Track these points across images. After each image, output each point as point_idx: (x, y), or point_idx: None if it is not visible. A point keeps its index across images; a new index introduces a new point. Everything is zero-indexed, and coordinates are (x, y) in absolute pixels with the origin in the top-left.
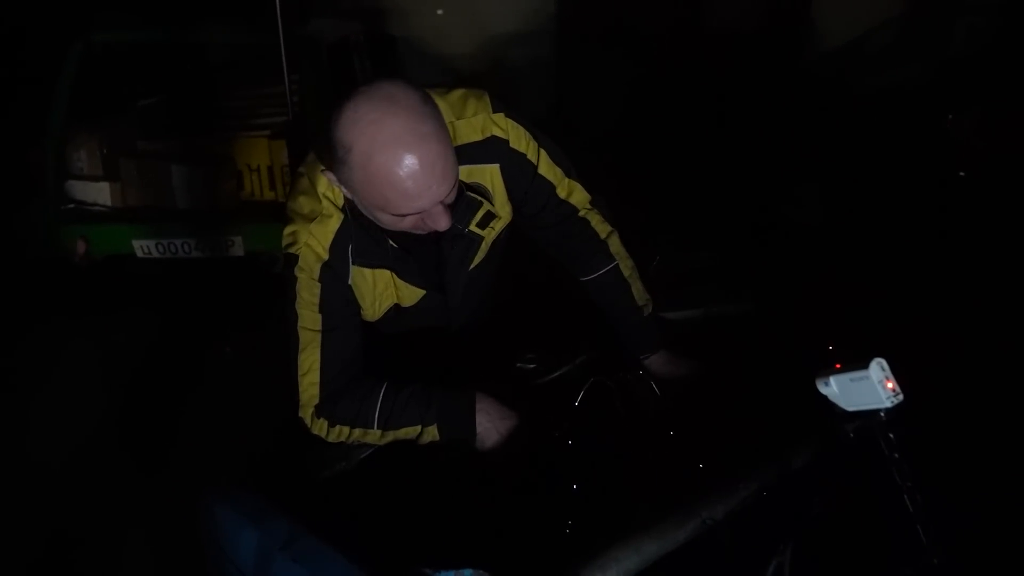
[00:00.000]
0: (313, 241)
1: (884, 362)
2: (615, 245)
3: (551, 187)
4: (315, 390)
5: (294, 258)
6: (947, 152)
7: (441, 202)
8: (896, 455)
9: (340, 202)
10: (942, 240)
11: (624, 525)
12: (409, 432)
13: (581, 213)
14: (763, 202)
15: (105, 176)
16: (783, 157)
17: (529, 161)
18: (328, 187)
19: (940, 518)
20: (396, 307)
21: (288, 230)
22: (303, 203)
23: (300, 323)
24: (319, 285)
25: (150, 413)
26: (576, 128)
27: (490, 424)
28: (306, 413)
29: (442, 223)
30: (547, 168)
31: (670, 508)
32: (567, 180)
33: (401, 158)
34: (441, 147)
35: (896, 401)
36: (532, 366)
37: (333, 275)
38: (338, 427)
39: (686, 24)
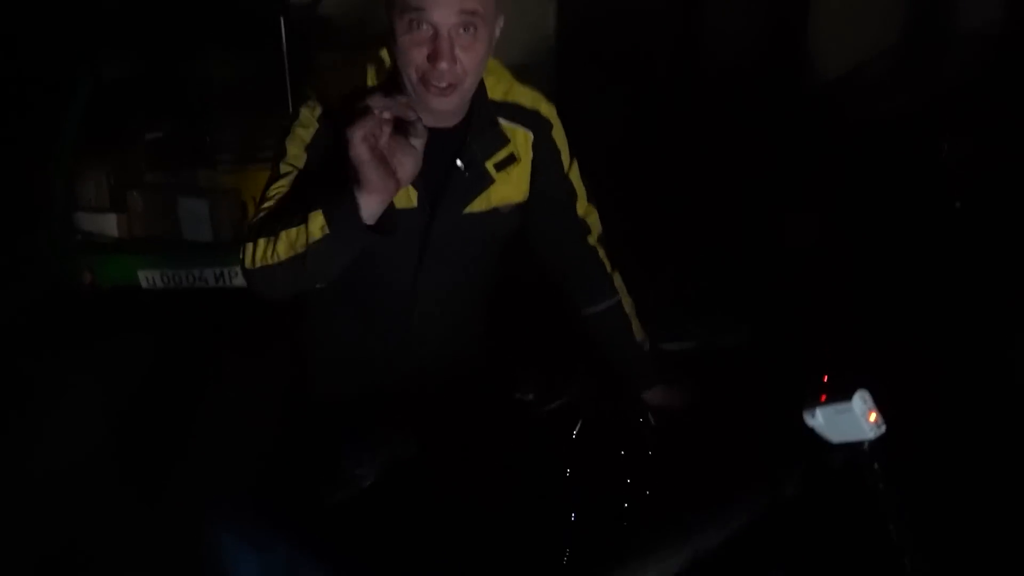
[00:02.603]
0: (333, 86)
1: (867, 394)
2: (618, 280)
3: (574, 196)
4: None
5: (307, 98)
6: (942, 181)
7: (451, 29)
8: (881, 485)
9: (380, 78)
10: (936, 269)
11: (620, 554)
12: (296, 231)
13: (592, 240)
14: (759, 228)
15: (112, 207)
16: (780, 184)
17: (562, 160)
18: (370, 64)
19: (924, 547)
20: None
21: (317, 75)
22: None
23: (284, 158)
24: (316, 127)
25: (151, 440)
26: (574, 157)
27: (366, 190)
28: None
29: (443, 59)
30: (576, 178)
31: (664, 536)
32: (588, 203)
33: None
34: None
35: (879, 432)
36: (530, 397)
37: (331, 127)
38: (250, 244)
39: (685, 54)
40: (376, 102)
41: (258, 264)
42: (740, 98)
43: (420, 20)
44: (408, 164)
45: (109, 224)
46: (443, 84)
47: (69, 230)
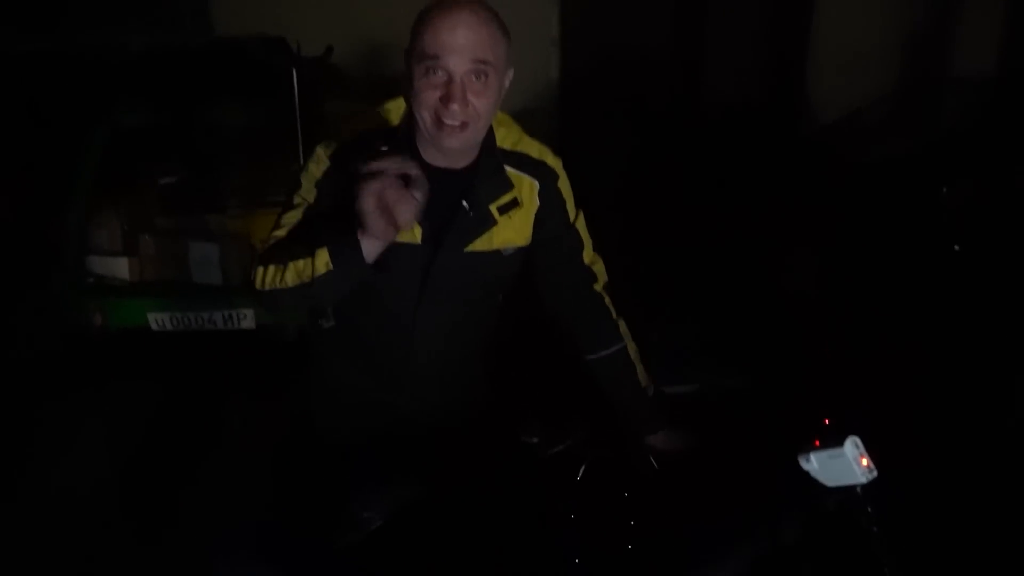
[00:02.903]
0: (345, 128)
1: (858, 440)
2: (623, 327)
3: (581, 245)
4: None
5: (322, 139)
6: (941, 224)
7: (464, 76)
8: (874, 528)
9: (394, 122)
10: (934, 312)
11: None
12: (303, 263)
13: (598, 287)
14: (760, 273)
15: (124, 251)
16: (780, 228)
17: (567, 210)
18: (388, 109)
19: None
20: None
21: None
22: (355, 113)
23: (297, 190)
24: (328, 164)
25: (159, 481)
26: (580, 208)
27: (368, 234)
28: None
29: (455, 102)
30: (582, 227)
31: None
32: (593, 252)
33: (452, 9)
34: (487, 28)
35: (870, 477)
36: (535, 440)
37: (344, 162)
38: (260, 268)
39: (686, 100)
40: (384, 164)
41: (267, 287)
42: (740, 142)
43: (436, 67)
44: (408, 213)
45: (121, 267)
46: (456, 122)
47: (81, 273)
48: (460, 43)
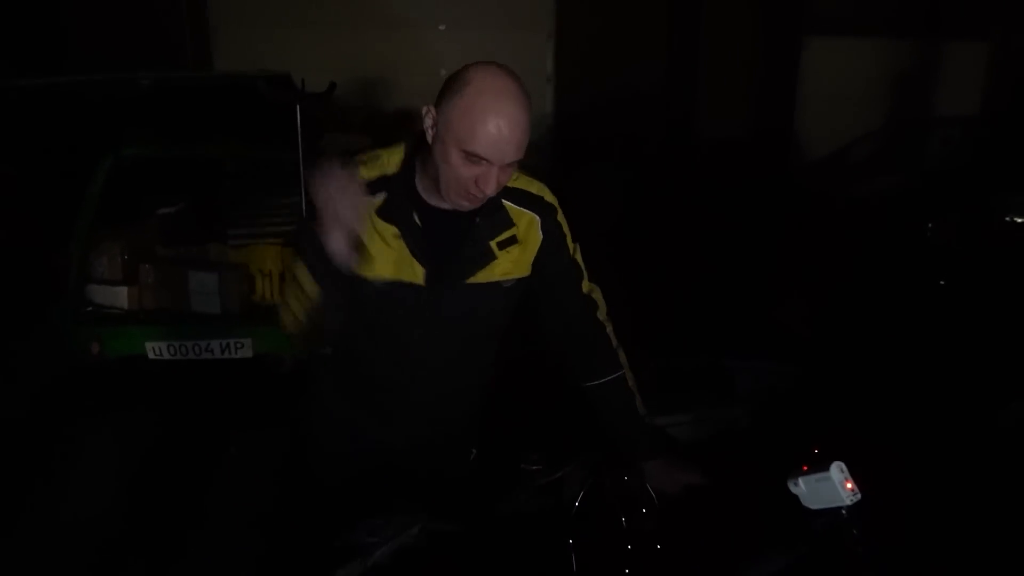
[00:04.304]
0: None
1: (843, 465)
2: (622, 356)
3: (580, 275)
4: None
5: None
6: (928, 259)
7: (502, 166)
8: (859, 548)
9: (390, 171)
10: (922, 347)
11: None
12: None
13: (600, 316)
14: (753, 307)
15: (124, 280)
16: (771, 263)
17: (566, 243)
18: (384, 156)
19: None
20: (389, 285)
21: None
22: (351, 160)
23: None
24: None
25: (157, 512)
26: (577, 241)
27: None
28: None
29: (491, 186)
30: (579, 258)
31: None
32: (591, 282)
33: (502, 107)
34: (527, 122)
35: (854, 500)
36: (534, 468)
37: None
38: (281, 309)
39: (678, 135)
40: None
41: (289, 330)
42: (730, 178)
43: (480, 160)
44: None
45: (120, 297)
46: (484, 198)
47: (81, 303)
48: (507, 146)
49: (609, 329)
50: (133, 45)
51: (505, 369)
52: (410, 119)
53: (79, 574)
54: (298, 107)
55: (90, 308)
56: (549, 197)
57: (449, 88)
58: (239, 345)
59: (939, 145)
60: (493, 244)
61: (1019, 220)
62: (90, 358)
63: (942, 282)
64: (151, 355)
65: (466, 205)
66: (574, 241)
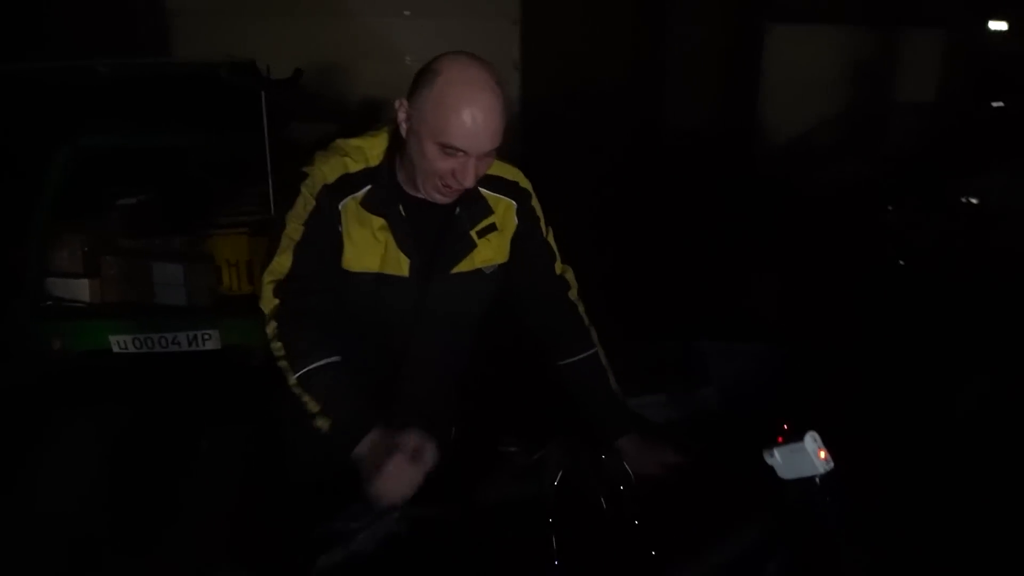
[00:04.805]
0: (327, 168)
1: (816, 435)
2: (595, 335)
3: (552, 257)
4: (271, 289)
5: (304, 176)
6: (888, 242)
7: (479, 157)
8: (831, 515)
9: (373, 162)
10: (884, 324)
11: None
12: (310, 405)
13: (572, 296)
14: (721, 292)
15: (85, 273)
16: (738, 248)
17: (540, 226)
18: (366, 148)
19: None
20: (376, 278)
21: (311, 157)
22: (335, 148)
23: (285, 231)
24: (314, 203)
25: (129, 506)
26: (549, 224)
27: (365, 455)
28: (265, 307)
29: (468, 178)
30: (552, 241)
31: (650, 573)
32: (563, 263)
33: (475, 97)
34: (502, 111)
35: (828, 468)
36: (513, 449)
37: (329, 202)
38: (277, 343)
39: (644, 122)
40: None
41: (269, 346)
42: (696, 164)
43: (456, 152)
44: (406, 488)
45: (81, 290)
46: (461, 190)
47: (40, 297)
48: (482, 136)
49: (581, 309)
50: (86, 30)
51: (482, 354)
52: (377, 108)
53: (51, 570)
54: (263, 94)
55: (50, 302)
56: (524, 182)
57: (420, 81)
58: (206, 337)
59: (898, 132)
60: (473, 233)
61: (975, 202)
62: (52, 354)
63: (902, 262)
64: (115, 348)
65: (440, 198)
66: (547, 224)
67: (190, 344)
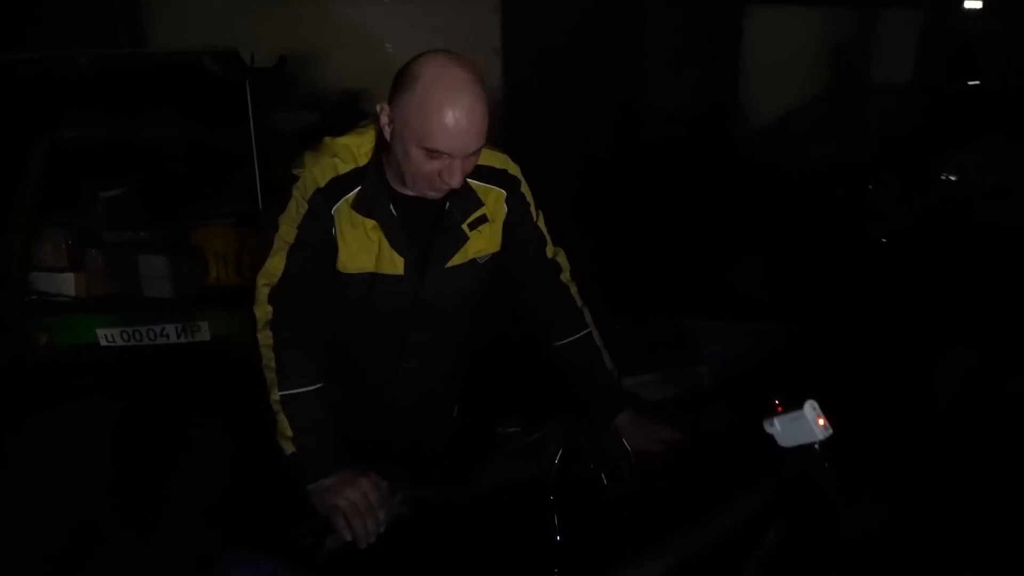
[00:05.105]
0: (317, 170)
1: (815, 403)
2: (588, 315)
3: (543, 241)
4: (266, 293)
5: (294, 178)
6: (869, 220)
7: (464, 157)
8: (830, 480)
9: (362, 161)
10: (867, 297)
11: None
12: (282, 427)
13: (564, 278)
14: (705, 273)
15: (70, 267)
16: (721, 229)
17: (530, 211)
18: (353, 147)
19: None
20: (371, 277)
21: (300, 158)
22: (323, 149)
23: (278, 232)
24: (307, 207)
25: (120, 501)
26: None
27: (322, 497)
28: (259, 312)
29: (456, 179)
30: (542, 225)
31: (651, 544)
32: (554, 246)
33: (456, 99)
34: (484, 109)
35: (827, 435)
36: (513, 430)
37: (321, 205)
38: (270, 353)
39: (626, 105)
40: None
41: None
42: (677, 146)
43: (441, 154)
44: (368, 530)
45: (67, 284)
46: (449, 189)
47: (25, 292)
48: (466, 137)
49: (574, 290)
50: (60, 20)
51: (478, 339)
52: (356, 96)
53: (44, 569)
54: (247, 83)
55: (35, 297)
56: (512, 169)
57: (400, 84)
58: (195, 329)
59: (877, 111)
60: (464, 226)
61: (953, 179)
62: (39, 349)
63: (884, 240)
64: (103, 342)
65: (434, 195)
66: (537, 209)
67: (179, 336)
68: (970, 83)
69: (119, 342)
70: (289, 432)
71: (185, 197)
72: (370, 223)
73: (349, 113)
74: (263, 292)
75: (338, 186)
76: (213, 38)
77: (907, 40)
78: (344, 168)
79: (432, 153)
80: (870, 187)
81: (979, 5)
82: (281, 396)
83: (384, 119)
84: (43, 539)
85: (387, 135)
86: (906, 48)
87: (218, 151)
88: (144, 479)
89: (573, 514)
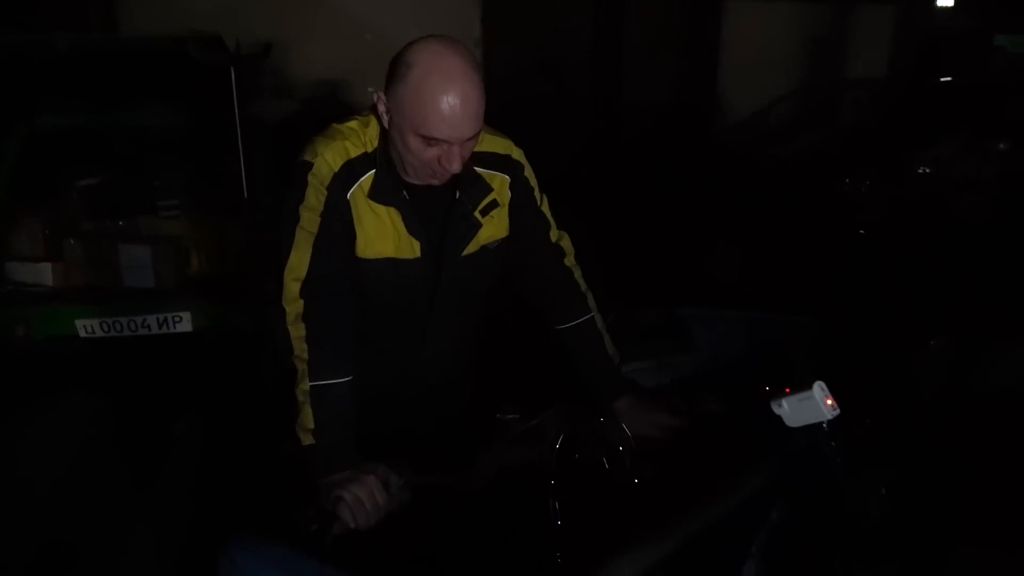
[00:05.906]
0: (330, 156)
1: (823, 384)
2: (591, 300)
3: (548, 225)
4: (296, 288)
5: (308, 165)
6: (846, 212)
7: (462, 143)
8: (838, 458)
9: (370, 147)
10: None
11: (606, 552)
12: (305, 417)
13: (568, 262)
14: (691, 260)
15: (47, 256)
16: (701, 220)
17: (534, 196)
18: (360, 132)
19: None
20: (389, 262)
21: (309, 146)
22: (333, 133)
23: (299, 223)
24: (326, 193)
25: (106, 490)
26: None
27: (333, 491)
28: (288, 306)
29: (455, 164)
30: (547, 209)
31: (656, 525)
32: (559, 230)
33: (451, 86)
34: (479, 94)
35: (835, 414)
36: (513, 416)
37: (340, 189)
38: (303, 345)
39: (606, 97)
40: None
41: (286, 344)
42: (656, 139)
43: (439, 142)
44: (369, 517)
45: (44, 274)
46: (449, 175)
47: (1, 281)
48: (462, 123)
49: (578, 274)
50: (29, 7)
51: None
52: (336, 86)
53: (26, 560)
54: (232, 70)
55: (11, 287)
56: (516, 153)
57: (394, 73)
58: (177, 319)
59: (852, 105)
60: (476, 213)
61: (928, 171)
62: (16, 340)
63: (862, 231)
64: (82, 333)
65: (436, 182)
66: (541, 193)
67: (160, 327)
68: (942, 79)
69: (98, 333)
70: (311, 424)
71: (165, 186)
72: (386, 209)
73: (327, 103)
74: (293, 288)
75: (351, 170)
76: (186, 25)
77: (883, 35)
78: (355, 152)
79: (430, 140)
80: (846, 180)
81: (951, 2)
82: (311, 387)
83: (381, 107)
84: (16, 538)
85: (385, 123)
86: (882, 43)
87: (204, 138)
88: (126, 473)
89: (574, 499)
